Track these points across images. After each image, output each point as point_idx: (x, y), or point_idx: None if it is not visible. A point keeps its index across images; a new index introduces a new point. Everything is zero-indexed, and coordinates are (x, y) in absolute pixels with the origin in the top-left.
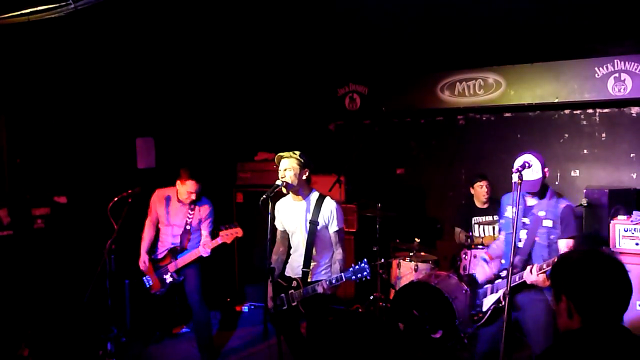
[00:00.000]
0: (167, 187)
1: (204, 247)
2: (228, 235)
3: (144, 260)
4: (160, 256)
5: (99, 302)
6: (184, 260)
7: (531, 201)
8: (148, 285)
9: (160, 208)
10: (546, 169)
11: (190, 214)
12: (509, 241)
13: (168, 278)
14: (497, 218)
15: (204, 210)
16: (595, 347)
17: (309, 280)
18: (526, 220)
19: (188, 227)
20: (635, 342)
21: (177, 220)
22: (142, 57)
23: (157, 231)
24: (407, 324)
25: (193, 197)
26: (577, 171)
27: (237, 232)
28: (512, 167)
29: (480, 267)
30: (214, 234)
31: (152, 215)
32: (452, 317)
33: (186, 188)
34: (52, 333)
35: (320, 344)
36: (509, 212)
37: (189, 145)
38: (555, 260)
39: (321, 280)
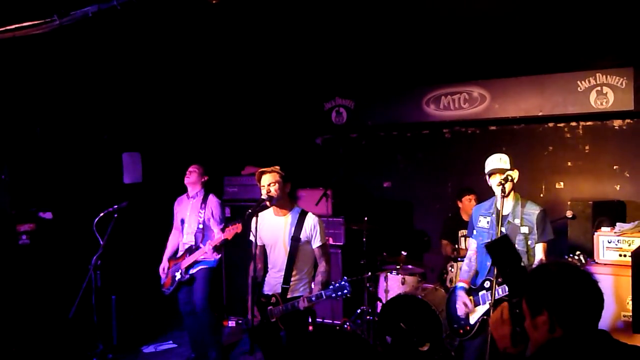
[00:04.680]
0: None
1: (207, 245)
2: (229, 231)
3: (163, 267)
4: (178, 255)
5: (84, 318)
6: (193, 257)
7: (505, 209)
8: (162, 282)
9: (177, 209)
10: (515, 172)
11: (201, 213)
12: (483, 251)
13: (177, 275)
14: (467, 232)
15: (213, 206)
16: (584, 352)
17: (288, 296)
18: (502, 229)
19: (201, 226)
20: (617, 345)
21: (186, 216)
22: (128, 72)
23: None
24: (394, 337)
25: (190, 175)
26: (562, 183)
27: (237, 227)
28: (485, 169)
29: (459, 302)
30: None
31: (175, 221)
32: (439, 330)
33: (189, 170)
34: (37, 350)
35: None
36: (483, 222)
37: (176, 160)
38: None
39: (301, 296)
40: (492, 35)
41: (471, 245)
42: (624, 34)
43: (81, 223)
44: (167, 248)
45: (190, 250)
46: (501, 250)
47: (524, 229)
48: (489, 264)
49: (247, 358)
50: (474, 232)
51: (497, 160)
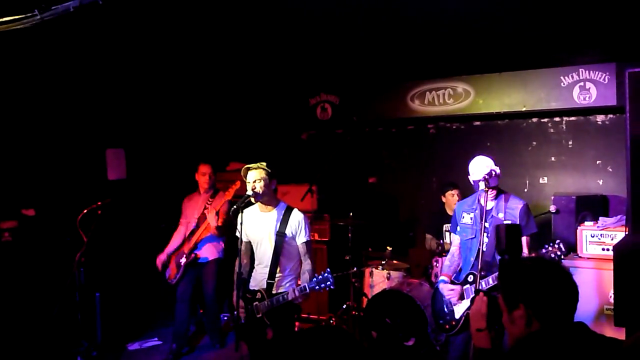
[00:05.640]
0: (193, 192)
1: (209, 213)
2: (228, 192)
3: (161, 258)
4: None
5: (68, 315)
6: (196, 235)
7: (489, 204)
8: (167, 276)
9: (186, 205)
10: (497, 168)
11: (210, 201)
12: (467, 247)
13: (183, 260)
14: (450, 227)
15: (223, 199)
16: (561, 344)
17: (273, 292)
18: (486, 224)
19: (206, 212)
20: (594, 337)
21: (197, 210)
22: (111, 67)
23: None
24: (380, 332)
25: (210, 178)
26: (545, 178)
27: (235, 185)
28: (469, 172)
29: (446, 292)
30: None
31: (182, 217)
32: (424, 325)
33: (202, 172)
34: (21, 347)
35: (285, 354)
36: (466, 218)
37: (160, 156)
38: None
39: (285, 292)
40: (476, 30)
41: (454, 241)
42: (606, 30)
43: (64, 220)
44: (170, 243)
45: (191, 233)
46: (511, 236)
47: (507, 223)
48: (472, 259)
49: (233, 354)
50: (458, 228)
51: (484, 168)
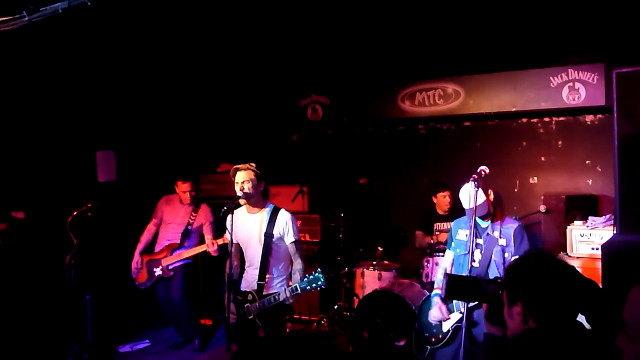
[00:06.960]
0: (174, 194)
1: (212, 245)
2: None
3: (136, 261)
4: (156, 250)
5: (58, 318)
6: (180, 255)
7: (484, 224)
8: (135, 276)
9: (164, 208)
10: (490, 191)
11: (193, 216)
12: (459, 263)
13: (157, 271)
14: (446, 245)
15: (207, 215)
16: (556, 345)
17: (263, 293)
18: (480, 241)
19: (189, 227)
20: (590, 338)
21: (178, 219)
22: (101, 69)
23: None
24: (371, 332)
25: (191, 195)
26: (535, 178)
27: (224, 239)
28: (460, 192)
29: (436, 307)
30: (218, 235)
31: (155, 217)
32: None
33: (182, 190)
34: (11, 350)
35: (277, 355)
36: (462, 234)
37: (151, 157)
38: (513, 262)
39: (276, 293)
40: (466, 31)
41: (448, 257)
42: (595, 30)
43: (54, 222)
44: (140, 243)
45: (171, 247)
46: (459, 287)
47: (502, 241)
48: (464, 274)
49: (224, 355)
50: (452, 244)
51: (468, 195)
